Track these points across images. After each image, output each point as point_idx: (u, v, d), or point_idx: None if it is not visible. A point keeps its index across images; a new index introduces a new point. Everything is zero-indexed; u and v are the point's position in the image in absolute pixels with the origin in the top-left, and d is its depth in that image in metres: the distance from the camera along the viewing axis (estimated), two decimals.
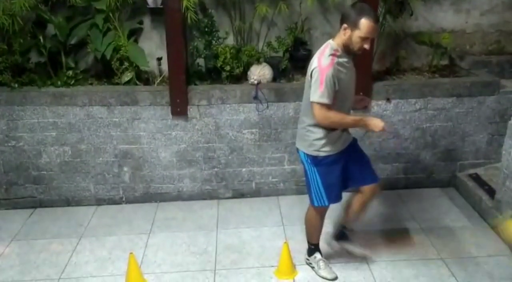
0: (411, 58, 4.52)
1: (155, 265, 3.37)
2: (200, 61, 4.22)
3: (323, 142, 2.86)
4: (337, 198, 3.03)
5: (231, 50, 3.99)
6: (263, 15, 4.09)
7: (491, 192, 3.80)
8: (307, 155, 2.94)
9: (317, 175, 2.95)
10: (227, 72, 4.03)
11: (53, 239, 3.70)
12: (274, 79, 4.09)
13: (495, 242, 3.53)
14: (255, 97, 3.91)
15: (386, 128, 2.82)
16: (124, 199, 4.20)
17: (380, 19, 4.07)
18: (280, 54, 4.15)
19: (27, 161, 4.01)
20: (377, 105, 4.03)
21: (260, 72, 3.98)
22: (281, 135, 4.04)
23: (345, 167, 2.99)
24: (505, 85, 4.12)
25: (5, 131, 3.92)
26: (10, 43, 3.93)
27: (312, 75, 2.72)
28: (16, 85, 3.87)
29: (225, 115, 3.97)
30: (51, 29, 4.09)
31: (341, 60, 2.74)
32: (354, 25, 2.65)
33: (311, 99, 2.73)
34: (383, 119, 4.00)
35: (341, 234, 3.51)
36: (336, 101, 2.75)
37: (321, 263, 3.22)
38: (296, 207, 3.90)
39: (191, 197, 4.22)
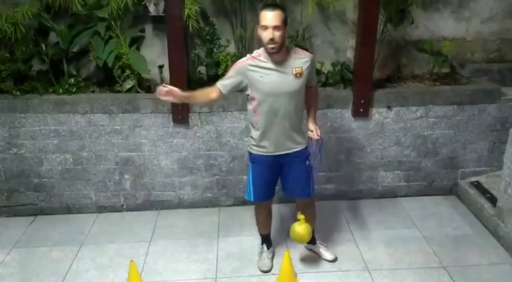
0: (412, 66, 4.53)
1: (156, 273, 3.37)
2: (202, 69, 4.23)
3: (253, 140, 3.03)
4: (264, 198, 3.20)
5: (233, 58, 4.00)
6: None
7: (492, 200, 3.79)
8: (247, 150, 3.15)
9: (250, 170, 3.13)
10: None
11: (53, 247, 3.69)
12: None
13: (497, 250, 3.51)
14: None
15: (161, 94, 2.79)
16: (125, 207, 4.19)
17: (381, 27, 4.10)
18: None
19: (28, 168, 4.01)
20: (378, 113, 4.03)
21: None
22: None
23: (282, 173, 3.12)
24: (506, 93, 4.12)
25: (6, 138, 3.93)
26: (13, 51, 3.95)
27: None
28: (18, 92, 3.88)
29: (226, 123, 3.97)
30: (53, 37, 4.11)
31: (261, 63, 2.84)
32: (258, 23, 2.78)
33: None
34: (384, 128, 4.04)
35: None
36: (258, 104, 2.90)
37: (263, 254, 3.40)
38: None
39: (192, 205, 4.21)
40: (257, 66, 2.84)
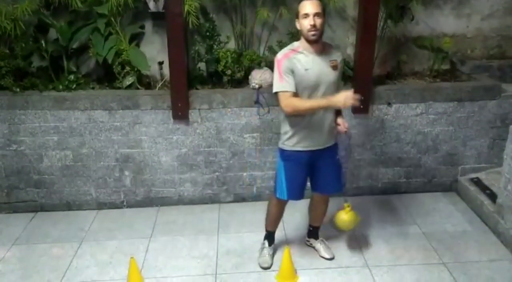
0: (412, 62, 4.53)
1: (156, 269, 3.37)
2: (202, 65, 4.23)
3: (288, 135, 2.99)
4: (297, 196, 3.15)
5: (233, 55, 4.00)
6: (264, 19, 4.10)
7: (492, 197, 3.80)
8: (278, 147, 3.10)
9: (282, 169, 3.08)
10: (228, 77, 4.04)
11: (54, 243, 3.70)
12: None
13: (497, 247, 3.52)
14: (256, 102, 3.91)
15: (352, 99, 2.74)
16: (125, 203, 4.20)
17: (381, 24, 4.09)
18: None
19: (28, 165, 4.01)
20: (378, 109, 4.03)
21: (261, 77, 3.98)
22: None
23: (314, 170, 3.09)
24: (506, 89, 4.12)
25: (6, 135, 3.92)
26: (12, 47, 3.95)
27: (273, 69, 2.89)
28: (18, 89, 3.87)
29: (226, 119, 3.97)
30: (53, 34, 4.11)
31: (301, 56, 2.82)
32: (297, 14, 2.83)
33: (274, 91, 2.89)
34: (384, 124, 4.04)
35: (309, 232, 3.57)
36: (299, 96, 2.85)
37: (264, 251, 3.40)
38: (297, 212, 3.89)
39: (192, 201, 4.21)
40: (299, 59, 2.83)
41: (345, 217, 3.25)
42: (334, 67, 2.88)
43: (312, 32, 2.75)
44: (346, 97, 2.72)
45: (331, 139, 3.05)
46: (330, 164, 3.09)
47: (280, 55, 2.87)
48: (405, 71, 4.48)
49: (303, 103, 2.83)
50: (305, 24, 2.76)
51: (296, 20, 2.85)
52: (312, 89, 2.85)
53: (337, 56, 2.94)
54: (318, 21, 2.74)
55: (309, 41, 2.81)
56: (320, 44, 2.85)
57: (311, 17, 2.73)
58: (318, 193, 3.27)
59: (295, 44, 2.90)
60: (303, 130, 2.94)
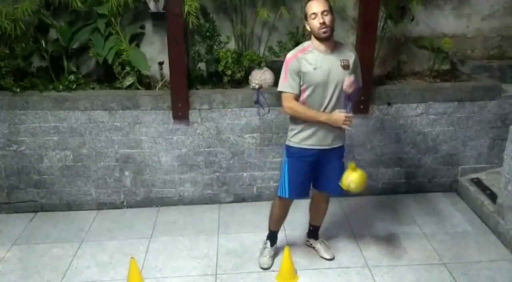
0: (412, 62, 4.53)
1: (156, 269, 3.37)
2: (202, 65, 4.23)
3: (294, 132, 3.02)
4: (299, 195, 3.15)
5: (233, 55, 4.01)
6: (264, 19, 4.11)
7: (492, 197, 3.80)
8: (285, 145, 3.12)
9: (286, 166, 3.09)
10: (228, 77, 4.04)
11: (54, 244, 3.70)
12: (276, 83, 4.09)
13: (497, 247, 3.52)
14: (256, 102, 3.91)
15: (348, 122, 2.87)
16: (125, 203, 4.20)
17: (381, 24, 4.09)
18: (282, 58, 4.14)
19: (28, 165, 4.01)
20: (378, 109, 4.03)
21: (261, 77, 3.98)
22: (282, 139, 4.02)
23: (317, 169, 3.08)
24: (507, 89, 4.12)
25: (6, 135, 3.92)
26: (13, 47, 3.95)
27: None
28: (18, 89, 3.88)
29: (227, 119, 3.97)
30: (53, 34, 4.11)
31: (310, 55, 2.85)
32: (305, 15, 2.86)
33: (278, 89, 2.97)
34: (384, 125, 4.04)
35: (309, 233, 3.57)
36: (307, 96, 2.89)
37: (265, 251, 3.39)
38: (297, 212, 3.88)
39: (192, 201, 4.21)
40: (308, 58, 2.84)
41: (355, 176, 2.91)
42: (345, 67, 2.88)
43: (323, 29, 2.77)
44: (345, 120, 2.85)
45: (339, 140, 3.04)
46: (335, 165, 3.08)
47: (289, 55, 2.92)
48: (405, 71, 4.48)
49: (304, 111, 2.90)
50: (314, 23, 2.78)
51: (305, 22, 2.87)
52: (322, 88, 2.86)
53: (349, 56, 2.93)
54: (327, 18, 2.77)
55: (320, 39, 2.83)
56: (332, 42, 2.87)
57: (319, 15, 2.76)
58: (319, 191, 3.27)
59: (305, 44, 2.93)
60: (310, 128, 2.95)
